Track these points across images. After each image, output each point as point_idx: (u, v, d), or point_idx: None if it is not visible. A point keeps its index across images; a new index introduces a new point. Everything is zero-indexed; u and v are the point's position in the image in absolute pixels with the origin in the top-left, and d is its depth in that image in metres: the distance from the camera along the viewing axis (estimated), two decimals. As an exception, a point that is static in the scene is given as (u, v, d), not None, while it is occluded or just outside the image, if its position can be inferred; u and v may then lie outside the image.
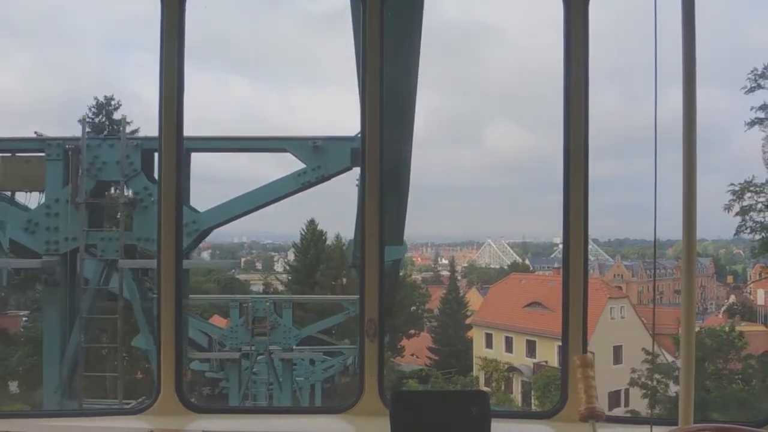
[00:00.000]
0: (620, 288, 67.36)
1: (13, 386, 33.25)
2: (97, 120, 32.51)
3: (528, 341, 44.86)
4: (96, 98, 32.97)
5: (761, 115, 21.69)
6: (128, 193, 11.09)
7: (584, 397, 2.97)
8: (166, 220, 4.39)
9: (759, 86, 21.64)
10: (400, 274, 26.30)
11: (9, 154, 11.72)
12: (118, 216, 11.23)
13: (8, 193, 12.07)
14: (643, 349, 31.35)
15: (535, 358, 44.14)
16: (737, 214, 24.23)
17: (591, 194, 4.23)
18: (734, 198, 23.86)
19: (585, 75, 4.26)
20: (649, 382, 30.34)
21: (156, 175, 9.83)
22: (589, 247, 4.51)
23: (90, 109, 32.54)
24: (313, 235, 44.70)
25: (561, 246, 4.45)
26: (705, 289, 67.05)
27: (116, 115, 32.56)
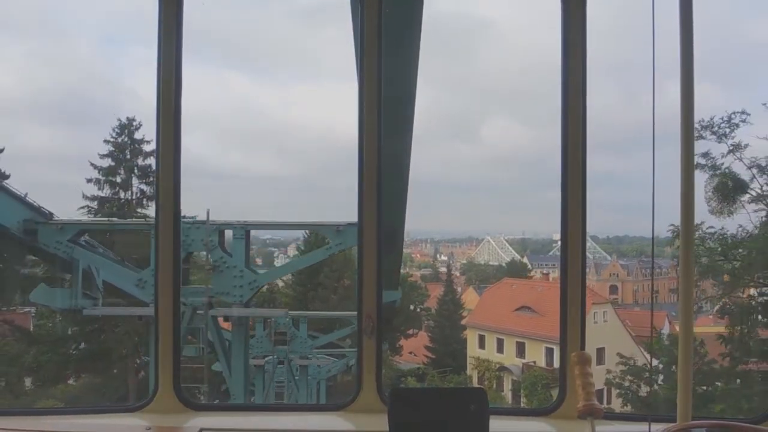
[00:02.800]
0: (616, 287, 68.30)
1: (27, 382, 33.81)
2: (119, 140, 34.91)
3: (518, 342, 48.01)
4: (119, 119, 35.29)
5: (702, 161, 24.37)
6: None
7: (582, 394, 2.97)
8: (164, 218, 4.38)
9: (701, 137, 24.33)
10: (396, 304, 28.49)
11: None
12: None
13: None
14: (618, 353, 34.00)
15: (524, 358, 47.13)
16: (677, 247, 26.54)
17: (589, 191, 4.22)
18: (673, 237, 26.35)
19: (583, 71, 4.23)
20: (623, 383, 32.77)
21: (227, 245, 14.65)
22: (588, 244, 4.50)
23: (113, 130, 35.05)
24: (316, 239, 46.56)
25: (559, 243, 4.44)
26: (699, 288, 66.85)
27: (137, 135, 35.02)
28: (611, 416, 4.21)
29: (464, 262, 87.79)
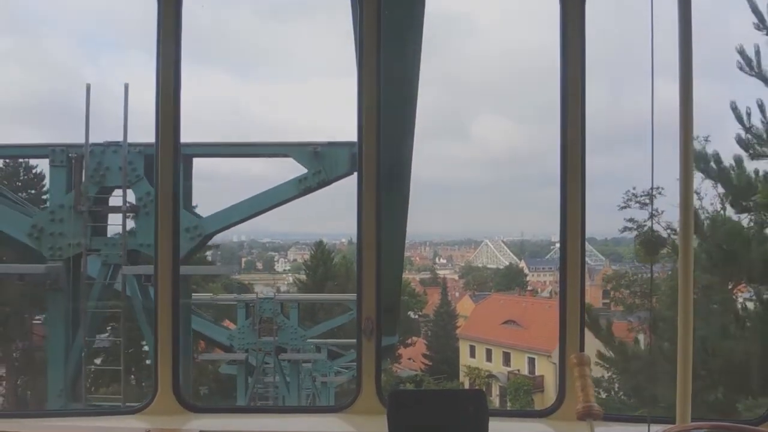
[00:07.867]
0: (608, 291, 69.32)
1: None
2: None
3: (504, 353, 53.79)
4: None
5: (630, 225, 28.47)
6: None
7: (581, 396, 2.95)
8: (164, 221, 4.37)
9: (628, 206, 28.05)
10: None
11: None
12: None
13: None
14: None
15: (510, 366, 52.66)
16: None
17: (588, 190, 4.19)
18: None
19: (582, 71, 4.21)
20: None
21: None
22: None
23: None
24: (321, 255, 50.42)
25: (558, 245, 4.42)
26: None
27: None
28: (610, 417, 4.20)
29: (462, 265, 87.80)
